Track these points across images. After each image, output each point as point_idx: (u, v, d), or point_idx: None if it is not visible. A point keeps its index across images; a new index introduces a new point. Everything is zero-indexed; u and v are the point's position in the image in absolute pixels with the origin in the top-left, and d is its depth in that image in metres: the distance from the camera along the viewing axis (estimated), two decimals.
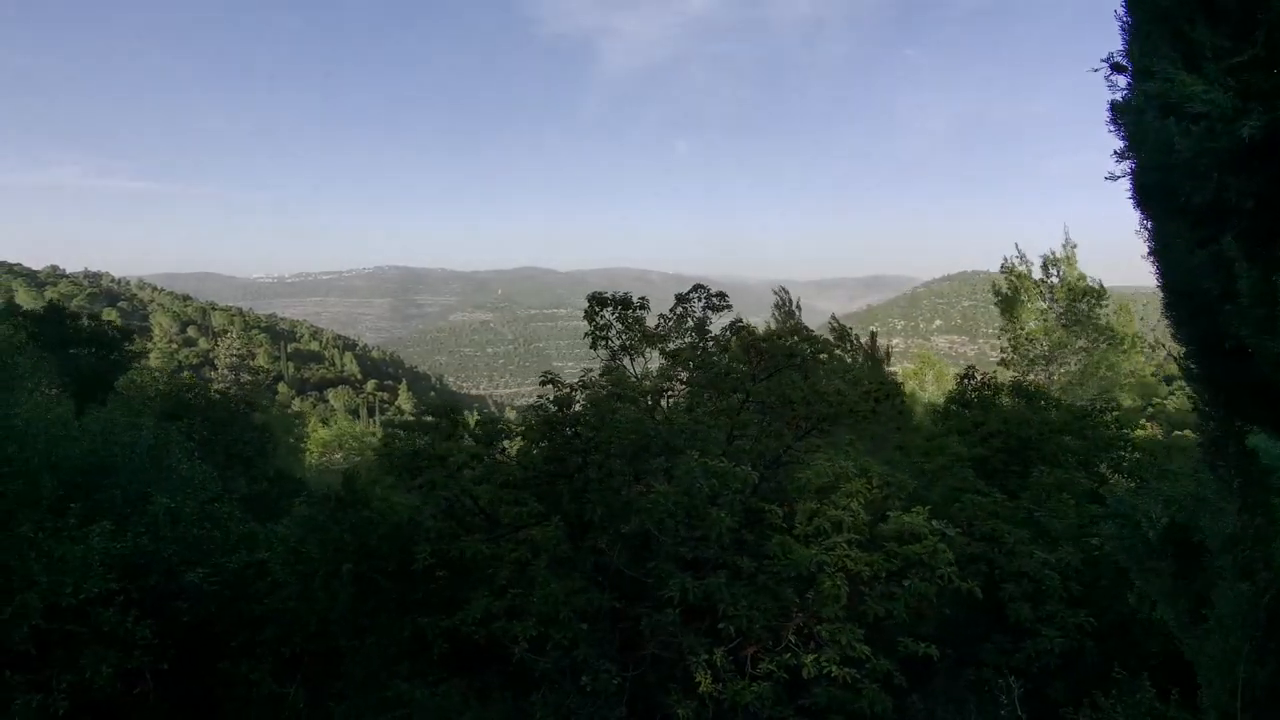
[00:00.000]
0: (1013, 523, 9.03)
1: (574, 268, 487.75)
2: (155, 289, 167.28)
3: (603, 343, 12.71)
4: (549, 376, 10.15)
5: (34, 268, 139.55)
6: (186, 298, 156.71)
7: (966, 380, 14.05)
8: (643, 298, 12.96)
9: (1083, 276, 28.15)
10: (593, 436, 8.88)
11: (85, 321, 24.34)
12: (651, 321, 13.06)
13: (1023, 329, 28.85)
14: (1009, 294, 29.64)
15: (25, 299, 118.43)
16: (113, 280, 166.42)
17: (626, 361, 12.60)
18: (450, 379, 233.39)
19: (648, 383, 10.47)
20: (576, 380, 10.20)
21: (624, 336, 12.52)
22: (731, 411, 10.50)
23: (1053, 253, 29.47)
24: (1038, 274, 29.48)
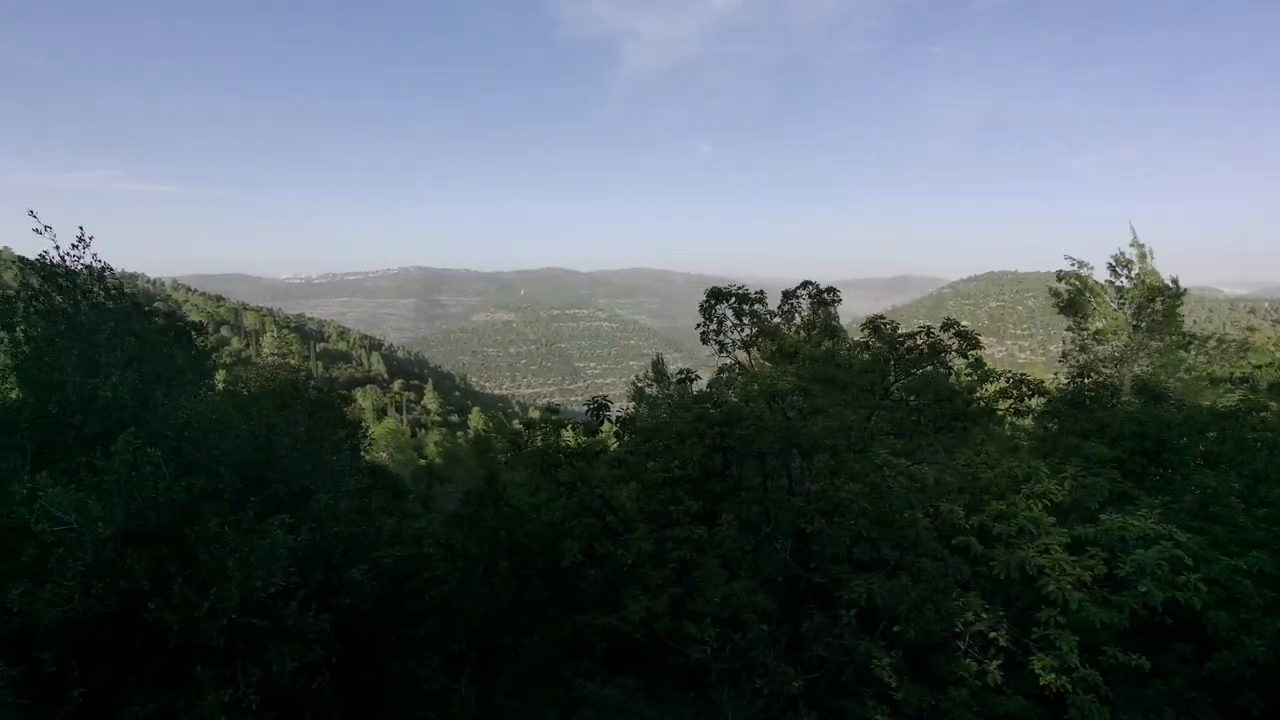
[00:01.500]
0: (1178, 527, 8.67)
1: (596, 268, 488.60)
2: (189, 290, 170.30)
3: (716, 337, 12.56)
4: (686, 374, 10.00)
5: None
6: (219, 298, 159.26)
7: (1080, 379, 13.64)
8: (760, 291, 12.78)
9: (1156, 275, 27.44)
10: (745, 435, 8.71)
11: (159, 319, 24.75)
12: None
13: (1091, 329, 28.19)
14: (1073, 294, 28.98)
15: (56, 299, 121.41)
16: (148, 281, 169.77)
17: (741, 356, 12.43)
18: (474, 379, 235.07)
19: (786, 381, 10.27)
20: (713, 377, 10.04)
21: (740, 331, 12.35)
22: (868, 408, 10.28)
23: (1121, 252, 28.77)
24: (1102, 275, 28.77)
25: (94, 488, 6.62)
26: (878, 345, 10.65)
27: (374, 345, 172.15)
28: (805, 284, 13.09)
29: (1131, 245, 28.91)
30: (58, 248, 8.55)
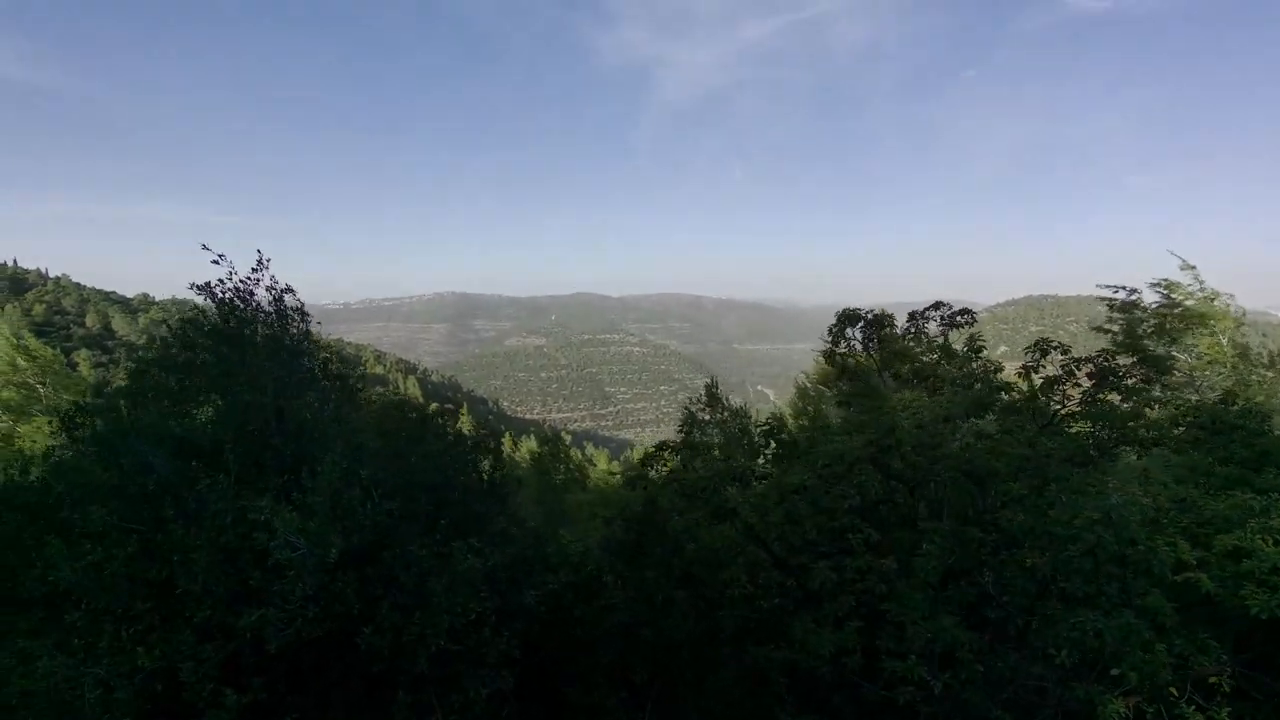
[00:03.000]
0: None
1: (626, 293, 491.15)
2: None
3: (845, 360, 12.24)
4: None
5: (127, 295, 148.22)
6: None
7: (1225, 404, 12.95)
8: (890, 314, 12.46)
9: (1215, 299, 26.28)
10: (924, 463, 8.37)
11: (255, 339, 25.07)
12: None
13: (1197, 360, 26.93)
14: (1166, 320, 27.85)
15: (120, 324, 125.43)
16: (202, 307, 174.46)
17: (878, 381, 12.08)
18: (505, 403, 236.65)
19: (944, 407, 9.89)
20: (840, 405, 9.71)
21: (871, 355, 12.03)
22: (1028, 437, 9.82)
23: (1201, 281, 27.61)
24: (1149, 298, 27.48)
25: (302, 509, 6.55)
26: (1042, 368, 10.18)
27: (409, 369, 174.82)
28: (936, 305, 12.71)
29: (1183, 268, 27.63)
30: (232, 274, 8.54)
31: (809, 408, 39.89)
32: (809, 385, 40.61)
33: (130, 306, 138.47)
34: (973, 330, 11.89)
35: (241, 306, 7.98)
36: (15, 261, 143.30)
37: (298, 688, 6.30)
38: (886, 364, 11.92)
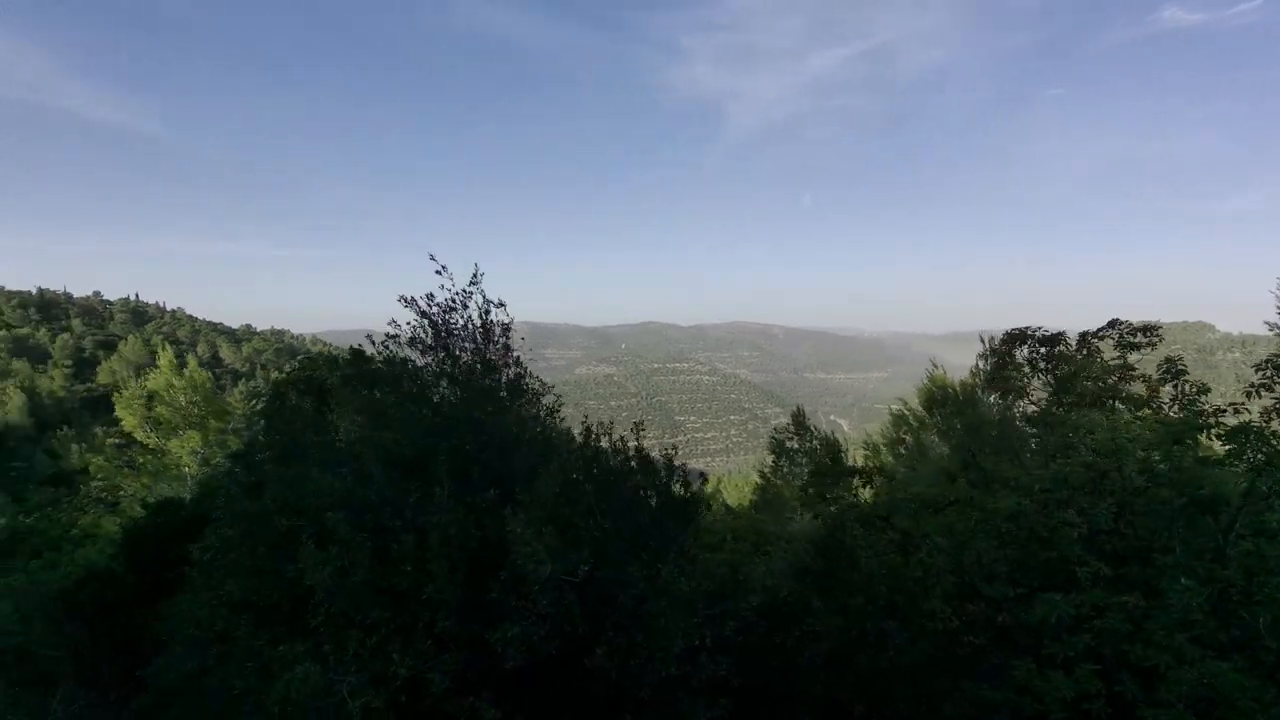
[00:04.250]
0: None
1: (696, 322, 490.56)
2: (325, 344, 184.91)
3: (1013, 383, 11.54)
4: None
5: (232, 326, 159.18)
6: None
7: None
8: (1061, 333, 11.70)
9: None
10: (1150, 488, 7.65)
11: (373, 364, 26.09)
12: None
13: None
14: None
15: (227, 353, 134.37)
16: (293, 337, 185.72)
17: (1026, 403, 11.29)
18: (576, 431, 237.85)
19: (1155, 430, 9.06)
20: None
21: (1040, 377, 11.28)
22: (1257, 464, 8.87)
23: None
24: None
25: (527, 524, 6.52)
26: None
27: None
28: (1113, 323, 11.83)
29: None
30: (443, 286, 8.71)
31: (906, 436, 38.23)
32: (906, 412, 39.00)
33: (235, 336, 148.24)
34: (1168, 352, 10.97)
35: (453, 320, 8.13)
36: (137, 296, 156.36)
37: (524, 706, 6.19)
38: (1063, 386, 11.13)
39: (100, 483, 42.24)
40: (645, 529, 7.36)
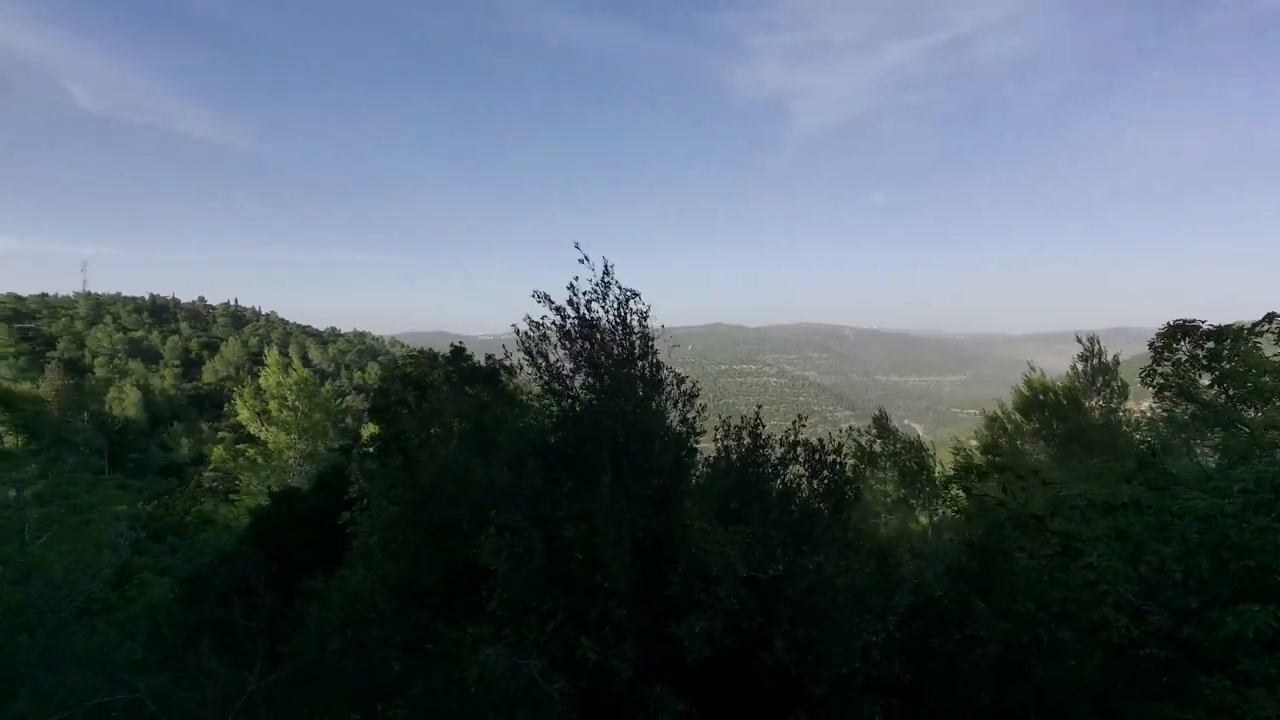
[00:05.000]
0: None
1: (764, 323, 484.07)
2: (403, 345, 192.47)
3: (1172, 380, 10.69)
4: None
5: (319, 329, 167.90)
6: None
7: None
8: (1229, 325, 10.74)
9: None
10: None
11: (474, 362, 26.79)
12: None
13: None
14: None
15: (315, 354, 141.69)
16: (374, 339, 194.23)
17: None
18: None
19: None
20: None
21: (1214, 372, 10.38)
22: None
23: None
24: None
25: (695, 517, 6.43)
26: None
27: None
28: (1270, 316, 10.77)
29: None
30: (574, 280, 8.73)
31: (1002, 441, 36.48)
32: (1002, 416, 37.17)
33: (322, 338, 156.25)
34: None
35: (594, 310, 8.12)
36: (236, 300, 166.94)
37: (701, 699, 6.08)
38: (1229, 382, 10.21)
39: (214, 473, 45.15)
40: (802, 520, 7.15)
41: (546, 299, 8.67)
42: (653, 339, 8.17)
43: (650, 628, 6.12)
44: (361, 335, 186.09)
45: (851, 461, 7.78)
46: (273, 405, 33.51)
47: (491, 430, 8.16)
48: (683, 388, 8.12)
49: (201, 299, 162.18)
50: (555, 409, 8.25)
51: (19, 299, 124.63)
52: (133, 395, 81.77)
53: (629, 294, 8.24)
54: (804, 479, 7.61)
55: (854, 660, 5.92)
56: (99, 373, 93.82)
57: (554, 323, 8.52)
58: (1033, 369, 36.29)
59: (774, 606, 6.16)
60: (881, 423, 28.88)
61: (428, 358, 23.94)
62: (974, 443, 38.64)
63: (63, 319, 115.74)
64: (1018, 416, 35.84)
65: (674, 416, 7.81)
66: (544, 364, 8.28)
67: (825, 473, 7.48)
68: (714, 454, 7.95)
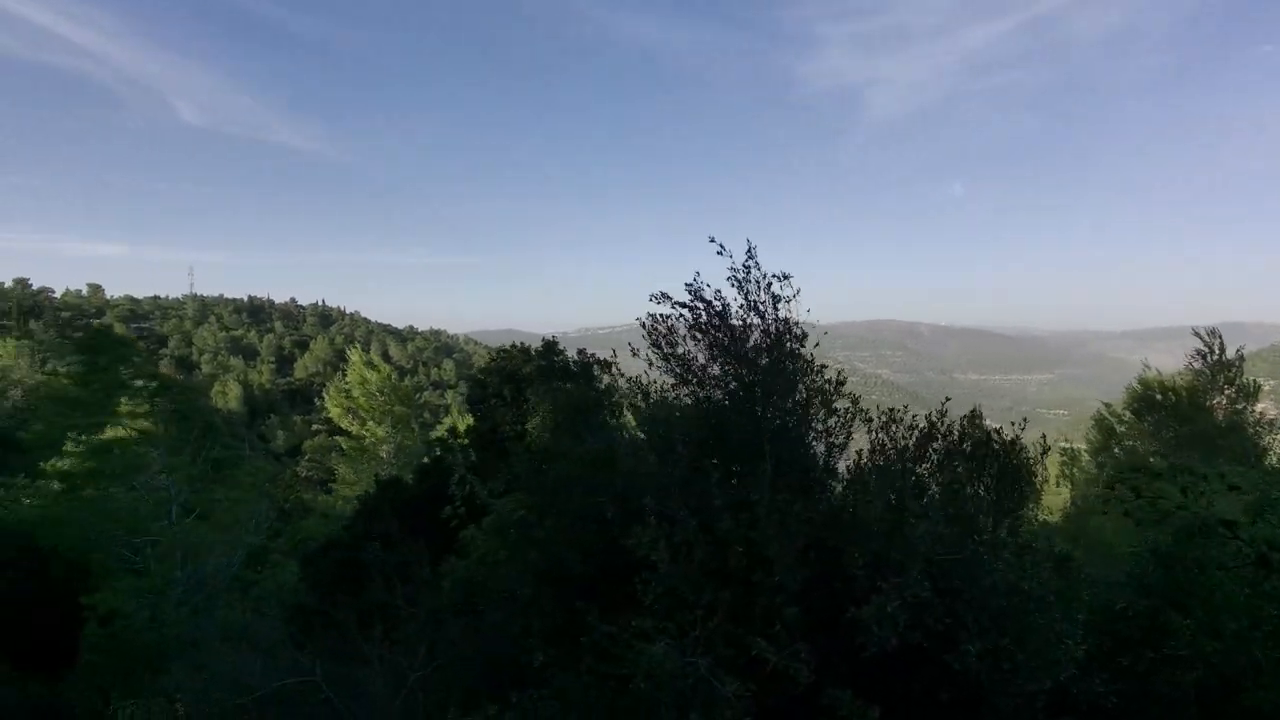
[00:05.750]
0: None
1: (837, 320, 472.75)
2: (476, 343, 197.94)
3: None
4: None
5: (398, 327, 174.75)
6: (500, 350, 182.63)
7: None
8: None
9: None
10: None
11: (565, 357, 26.87)
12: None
13: None
14: None
15: (395, 352, 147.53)
16: (448, 337, 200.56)
17: None
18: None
19: None
20: None
21: None
22: None
23: None
24: None
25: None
26: None
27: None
28: None
29: None
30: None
31: (1113, 444, 33.97)
32: (1110, 416, 34.61)
33: (400, 336, 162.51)
34: None
35: (734, 298, 7.71)
36: (323, 301, 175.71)
37: (879, 702, 5.60)
38: None
39: (309, 462, 47.30)
40: (973, 518, 6.55)
41: (689, 287, 8.22)
42: (797, 325, 7.66)
43: (820, 625, 5.71)
44: (437, 333, 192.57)
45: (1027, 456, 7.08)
46: (360, 400, 34.81)
47: (611, 418, 7.92)
48: (827, 375, 7.61)
49: (293, 300, 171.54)
50: (689, 400, 7.92)
51: (135, 301, 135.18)
52: (234, 390, 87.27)
53: (776, 276, 7.71)
54: (969, 471, 6.99)
55: (1058, 672, 5.33)
56: (204, 369, 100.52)
57: (681, 316, 8.13)
58: (1147, 366, 33.55)
59: (956, 607, 5.62)
60: (975, 421, 27.27)
61: (521, 352, 24.18)
62: (1082, 446, 36.04)
63: (172, 319, 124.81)
64: (1129, 416, 33.23)
65: (819, 406, 7.33)
66: (673, 355, 7.96)
67: (995, 466, 6.84)
68: (866, 446, 7.43)
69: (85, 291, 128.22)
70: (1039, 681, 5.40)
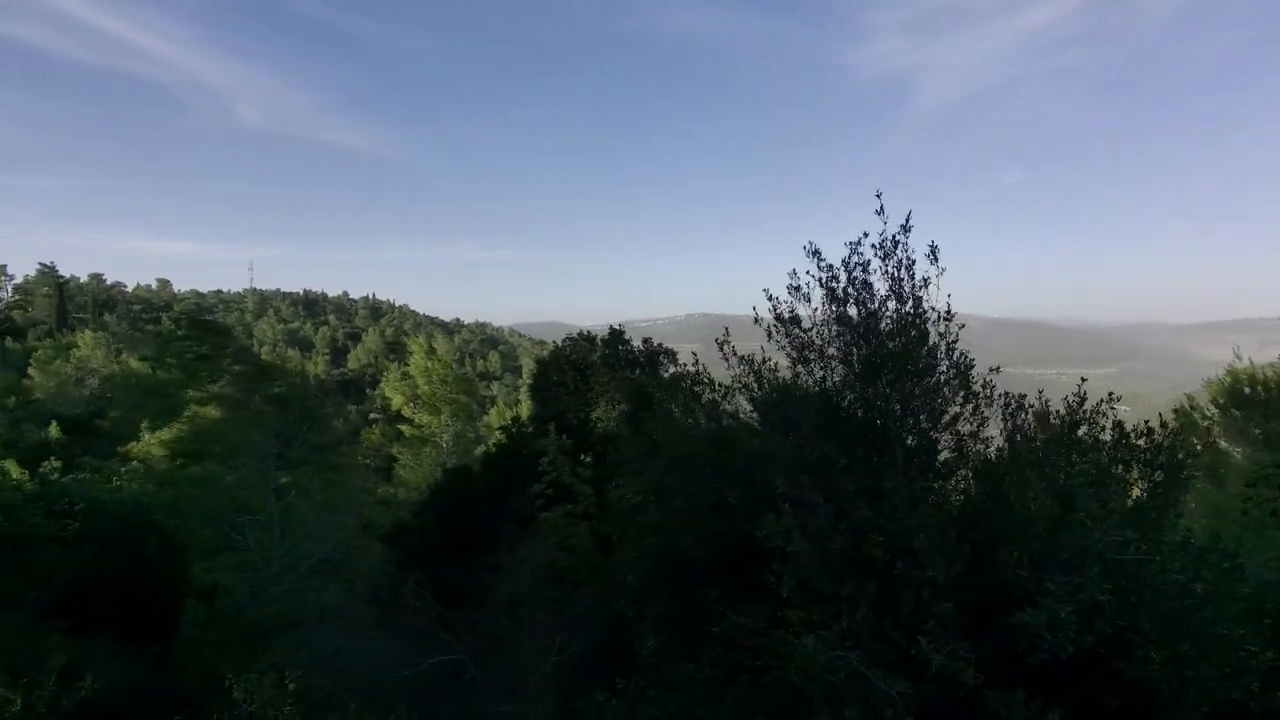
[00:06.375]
0: None
1: None
2: (520, 335, 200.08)
3: None
4: None
5: (445, 319, 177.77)
6: (543, 342, 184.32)
7: None
8: None
9: None
10: None
11: (630, 346, 26.65)
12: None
13: None
14: None
15: (440, 344, 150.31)
16: (494, 329, 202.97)
17: None
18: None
19: None
20: None
21: None
22: None
23: None
24: None
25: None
26: None
27: None
28: None
29: None
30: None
31: (1195, 440, 32.13)
32: (1192, 410, 32.80)
33: (448, 328, 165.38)
34: None
35: (872, 271, 7.23)
36: (374, 294, 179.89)
37: (1049, 707, 5.21)
38: None
39: (366, 449, 48.38)
40: (1134, 513, 6.06)
41: (817, 254, 7.78)
42: (937, 307, 7.13)
43: (973, 624, 5.33)
44: (482, 326, 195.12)
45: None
46: (422, 389, 35.29)
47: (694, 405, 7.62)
48: (955, 357, 7.14)
49: (345, 293, 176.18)
50: (810, 382, 7.56)
51: (200, 295, 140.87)
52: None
53: (931, 247, 7.09)
54: (1124, 462, 6.48)
55: (1247, 682, 4.85)
56: (264, 360, 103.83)
57: (813, 282, 7.64)
58: (1239, 357, 31.66)
59: (1128, 609, 5.17)
60: (1042, 416, 26.13)
61: (586, 340, 24.09)
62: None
63: (235, 312, 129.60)
64: (1212, 411, 31.43)
65: (956, 388, 6.88)
66: (796, 332, 7.60)
67: (1158, 457, 6.31)
68: (999, 434, 6.97)
69: (155, 286, 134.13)
70: (1225, 691, 4.93)
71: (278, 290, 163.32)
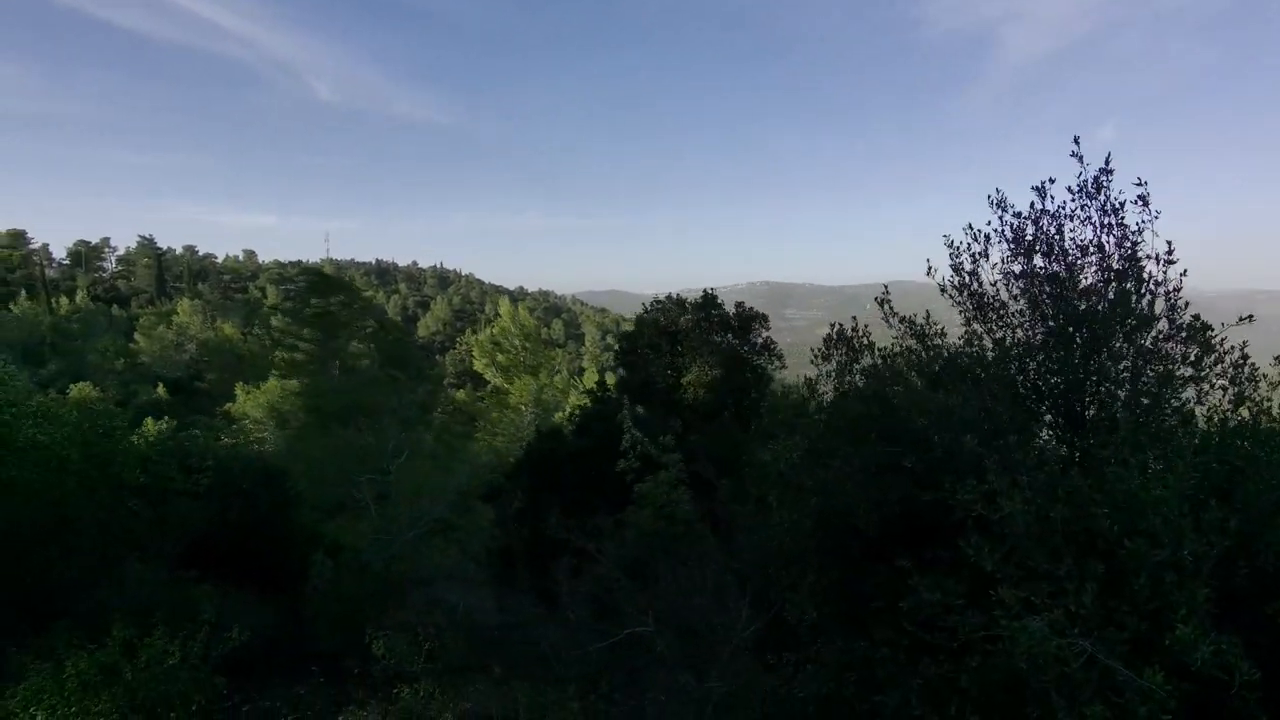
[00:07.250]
0: None
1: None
2: (583, 304, 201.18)
3: None
4: None
5: (509, 287, 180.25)
6: (604, 310, 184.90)
7: None
8: None
9: None
10: None
11: (722, 309, 25.94)
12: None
13: None
14: None
15: (504, 311, 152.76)
16: (557, 297, 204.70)
17: None
18: None
19: None
20: None
21: None
22: None
23: None
24: None
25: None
26: None
27: None
28: None
29: None
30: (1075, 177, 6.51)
31: None
32: None
33: (512, 296, 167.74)
34: None
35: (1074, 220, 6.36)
36: (442, 264, 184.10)
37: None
38: None
39: (444, 416, 49.51)
40: None
41: (1002, 205, 6.92)
42: (1147, 259, 6.20)
43: (1227, 613, 4.62)
44: (546, 294, 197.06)
45: None
46: (503, 356, 35.58)
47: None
48: (1179, 307, 6.18)
49: (415, 263, 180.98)
50: (987, 341, 6.82)
51: (281, 265, 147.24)
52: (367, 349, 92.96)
53: (1142, 187, 6.11)
54: None
55: None
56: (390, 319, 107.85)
57: (1004, 228, 6.81)
58: None
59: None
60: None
61: (676, 305, 23.58)
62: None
63: None
64: None
65: (1180, 344, 6.01)
66: (977, 287, 6.85)
67: None
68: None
69: (241, 257, 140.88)
70: None
71: (352, 260, 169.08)
